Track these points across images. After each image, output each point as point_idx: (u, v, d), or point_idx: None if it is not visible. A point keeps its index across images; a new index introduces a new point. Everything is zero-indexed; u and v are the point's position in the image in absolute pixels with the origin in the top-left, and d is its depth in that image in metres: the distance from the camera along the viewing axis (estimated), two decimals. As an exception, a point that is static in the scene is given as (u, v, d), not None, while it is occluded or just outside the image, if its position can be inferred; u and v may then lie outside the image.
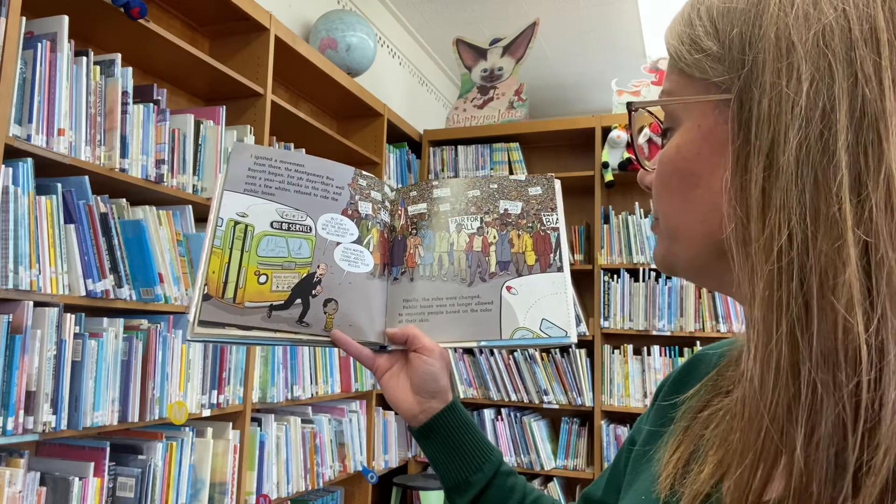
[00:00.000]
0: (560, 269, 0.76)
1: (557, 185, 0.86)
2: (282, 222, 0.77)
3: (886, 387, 0.34)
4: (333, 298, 0.76)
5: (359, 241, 0.80)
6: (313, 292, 0.76)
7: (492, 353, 3.51)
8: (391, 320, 0.80)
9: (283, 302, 0.75)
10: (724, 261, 0.45)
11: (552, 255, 0.77)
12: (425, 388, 0.76)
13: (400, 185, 0.92)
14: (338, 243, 0.78)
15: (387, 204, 0.84)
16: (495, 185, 0.84)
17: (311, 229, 0.77)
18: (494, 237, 0.80)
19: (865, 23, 0.38)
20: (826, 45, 0.38)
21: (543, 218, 0.80)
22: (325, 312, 0.76)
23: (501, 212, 0.81)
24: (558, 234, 0.79)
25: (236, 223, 0.75)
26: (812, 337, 0.35)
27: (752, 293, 0.39)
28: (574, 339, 0.76)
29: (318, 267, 0.77)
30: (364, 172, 0.82)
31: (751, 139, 0.40)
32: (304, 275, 0.76)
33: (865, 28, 0.37)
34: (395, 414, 3.37)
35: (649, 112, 0.51)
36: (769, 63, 0.39)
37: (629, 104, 0.52)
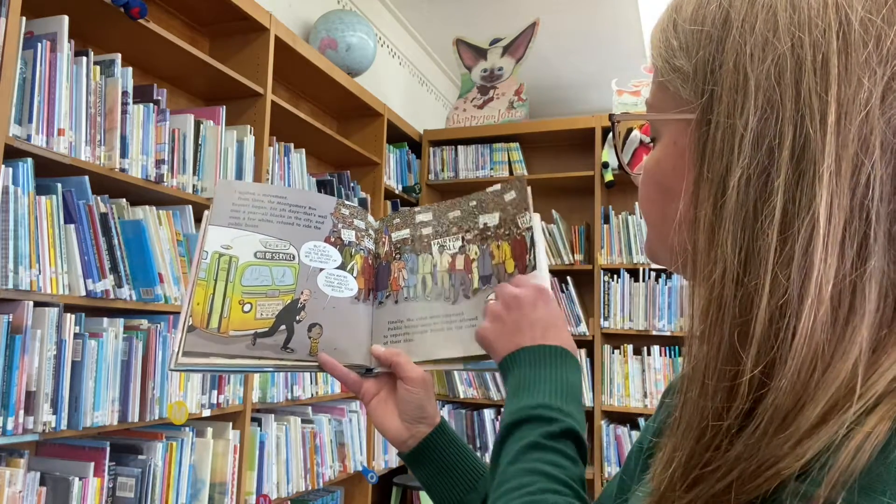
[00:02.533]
0: (534, 268, 0.76)
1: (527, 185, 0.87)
2: (265, 252, 0.78)
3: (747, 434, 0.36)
4: (318, 323, 0.77)
5: (342, 267, 0.81)
6: (297, 318, 0.77)
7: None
8: (376, 342, 0.80)
9: (267, 329, 0.75)
10: None
11: (528, 256, 0.77)
12: (411, 415, 0.76)
13: (389, 214, 0.93)
14: (321, 269, 0.79)
15: (370, 232, 0.85)
16: (474, 202, 0.84)
17: (294, 257, 0.79)
18: (476, 253, 0.81)
19: (819, 53, 0.36)
20: (779, 78, 0.37)
21: (518, 221, 0.80)
22: (309, 337, 0.76)
23: (481, 227, 0.82)
24: (531, 233, 0.78)
25: (220, 255, 0.76)
26: (715, 368, 0.37)
27: (691, 323, 0.40)
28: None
29: (302, 293, 0.78)
30: (346, 202, 0.84)
31: (703, 172, 0.40)
32: (288, 301, 0.77)
33: (818, 59, 0.36)
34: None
35: (619, 122, 0.53)
36: (725, 94, 0.39)
37: (611, 116, 0.53)
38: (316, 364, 0.76)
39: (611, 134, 3.39)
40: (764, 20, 0.38)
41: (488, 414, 3.52)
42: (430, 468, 0.77)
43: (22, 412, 1.47)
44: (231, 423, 2.14)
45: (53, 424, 1.52)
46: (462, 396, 3.64)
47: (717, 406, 0.37)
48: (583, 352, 3.42)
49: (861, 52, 0.36)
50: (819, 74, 0.36)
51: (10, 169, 1.49)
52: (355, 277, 0.81)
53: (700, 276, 0.39)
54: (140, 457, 1.82)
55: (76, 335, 1.62)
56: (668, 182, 0.46)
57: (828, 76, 0.36)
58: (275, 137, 2.56)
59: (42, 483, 1.57)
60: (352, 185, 3.11)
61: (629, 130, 3.39)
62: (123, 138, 1.78)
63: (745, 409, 0.36)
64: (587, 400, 3.38)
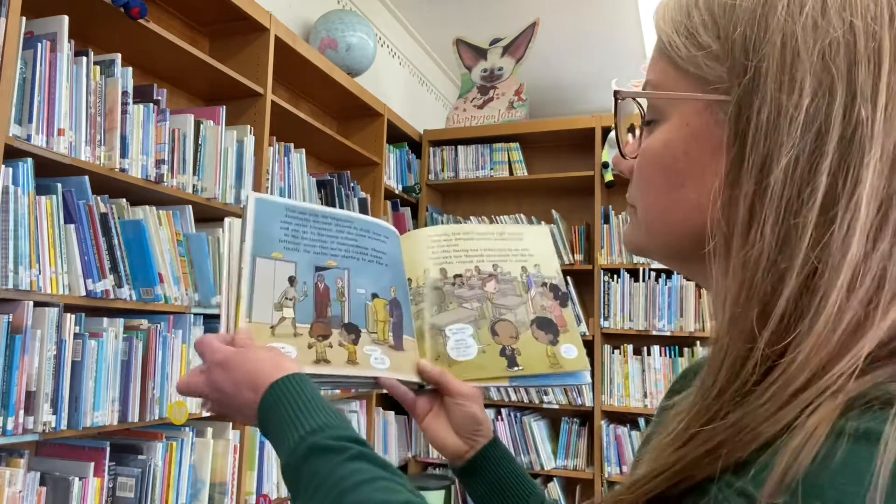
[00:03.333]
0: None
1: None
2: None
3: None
4: None
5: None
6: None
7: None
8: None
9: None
10: (699, 256, 0.45)
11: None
12: (467, 428, 0.76)
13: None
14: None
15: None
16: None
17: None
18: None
19: (872, 41, 0.36)
20: (832, 61, 0.36)
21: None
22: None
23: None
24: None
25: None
26: (734, 346, 0.37)
27: (723, 307, 0.39)
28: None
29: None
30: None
31: (746, 151, 0.38)
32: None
33: (871, 47, 0.36)
34: (396, 414, 3.37)
35: (634, 100, 0.50)
36: (772, 72, 0.38)
37: (616, 92, 0.50)
38: (374, 378, 0.76)
39: (610, 133, 3.39)
40: (812, 1, 0.38)
41: (488, 414, 3.51)
42: (485, 479, 0.76)
43: (22, 412, 1.47)
44: (231, 423, 2.14)
45: (53, 424, 1.52)
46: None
47: (724, 379, 0.37)
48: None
49: None
50: (872, 61, 0.36)
51: (10, 169, 1.49)
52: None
53: (735, 258, 0.38)
54: (140, 457, 1.82)
55: (76, 335, 1.62)
56: (679, 166, 0.44)
57: (881, 64, 0.36)
58: (275, 137, 2.56)
59: (42, 483, 1.57)
60: (352, 185, 3.11)
61: (610, 129, 3.38)
62: (123, 138, 1.78)
63: (753, 380, 0.36)
64: (587, 400, 3.38)
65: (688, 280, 3.32)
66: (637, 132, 0.50)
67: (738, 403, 0.36)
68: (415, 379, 0.78)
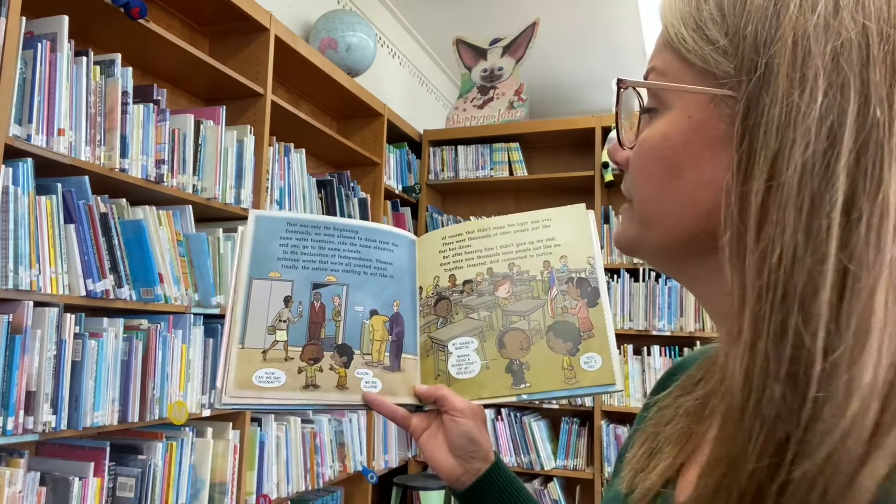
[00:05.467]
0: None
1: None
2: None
3: (825, 420, 0.34)
4: None
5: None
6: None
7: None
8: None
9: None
10: (693, 254, 0.45)
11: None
12: (463, 449, 0.73)
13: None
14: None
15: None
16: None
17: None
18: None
19: (885, 43, 0.36)
20: (845, 61, 0.36)
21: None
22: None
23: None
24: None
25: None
26: (782, 357, 0.35)
27: (742, 304, 0.38)
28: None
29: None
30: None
31: (756, 148, 0.38)
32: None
33: (884, 49, 0.36)
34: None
35: (634, 89, 0.49)
36: (784, 70, 0.38)
37: (619, 81, 0.49)
38: (362, 404, 0.75)
39: (610, 133, 3.39)
40: (825, 2, 0.38)
41: (488, 414, 3.51)
42: None
43: (22, 412, 1.47)
44: (231, 423, 2.14)
45: (53, 424, 1.52)
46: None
47: (778, 393, 0.35)
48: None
49: None
50: (886, 64, 0.36)
51: (10, 169, 1.49)
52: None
53: (750, 256, 0.38)
54: (140, 457, 1.82)
55: (76, 335, 1.62)
56: (677, 157, 0.44)
57: (894, 67, 0.36)
58: (275, 137, 2.56)
59: (42, 483, 1.57)
60: (352, 185, 3.11)
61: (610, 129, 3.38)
62: (123, 138, 1.78)
63: (814, 396, 0.34)
64: (587, 400, 3.38)
65: (677, 282, 3.31)
66: (637, 122, 0.49)
67: (806, 429, 0.34)
68: (409, 401, 0.76)
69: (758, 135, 0.38)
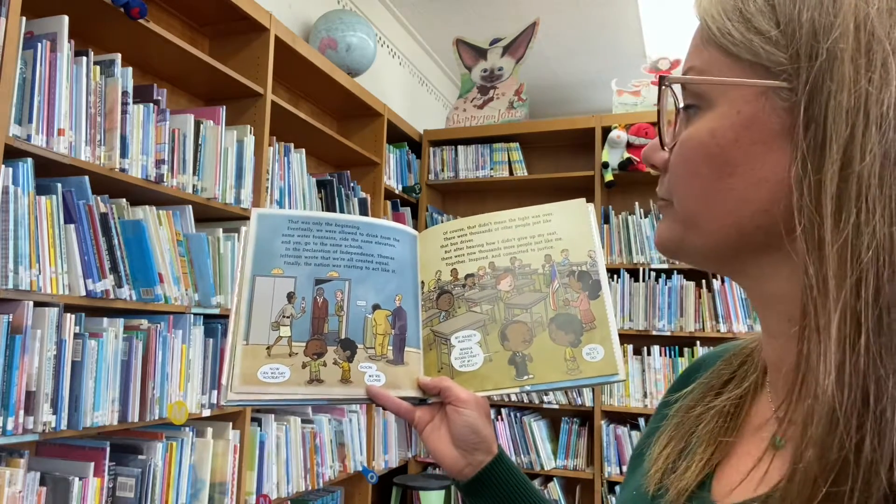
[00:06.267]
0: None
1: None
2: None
3: None
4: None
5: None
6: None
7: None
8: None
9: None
10: (745, 253, 0.44)
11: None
12: (466, 440, 0.72)
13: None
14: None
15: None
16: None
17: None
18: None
19: None
20: None
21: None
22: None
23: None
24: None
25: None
26: (882, 352, 0.34)
27: (825, 299, 0.36)
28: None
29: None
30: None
31: (826, 135, 0.37)
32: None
33: None
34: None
35: (670, 88, 0.47)
36: (848, 54, 0.36)
37: (661, 79, 0.47)
38: (366, 397, 0.75)
39: (611, 133, 3.39)
40: None
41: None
42: (488, 501, 0.73)
43: (22, 412, 1.47)
44: (231, 423, 2.14)
45: (53, 424, 1.52)
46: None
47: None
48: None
49: None
50: None
51: (10, 169, 1.49)
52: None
53: (829, 247, 0.36)
54: (140, 457, 1.82)
55: (76, 335, 1.62)
56: (728, 154, 0.42)
57: None
58: (275, 137, 2.56)
59: (42, 483, 1.57)
60: (352, 185, 3.11)
61: (610, 129, 3.39)
62: (123, 138, 1.78)
63: None
64: (587, 400, 3.38)
65: (732, 280, 3.33)
66: (674, 122, 0.47)
67: None
68: (413, 394, 0.76)
69: (825, 122, 0.37)
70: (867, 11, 0.37)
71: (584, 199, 0.83)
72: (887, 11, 0.36)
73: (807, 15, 0.38)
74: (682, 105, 0.46)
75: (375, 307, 0.79)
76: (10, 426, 1.44)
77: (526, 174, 3.72)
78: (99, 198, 1.72)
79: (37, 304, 1.52)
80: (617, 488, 0.65)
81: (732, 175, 0.42)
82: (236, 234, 2.17)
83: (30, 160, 1.52)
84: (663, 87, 0.47)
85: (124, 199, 1.85)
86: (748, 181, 0.41)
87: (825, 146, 0.37)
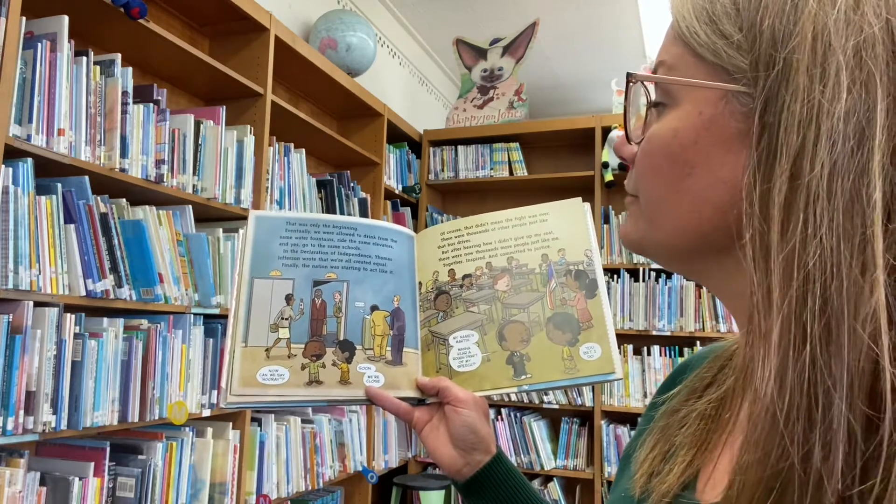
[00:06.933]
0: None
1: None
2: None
3: None
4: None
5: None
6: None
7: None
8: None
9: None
10: (706, 253, 0.44)
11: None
12: (464, 440, 0.72)
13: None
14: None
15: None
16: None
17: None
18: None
19: None
20: (868, 57, 0.35)
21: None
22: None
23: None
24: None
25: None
26: (831, 362, 0.34)
27: (769, 306, 0.36)
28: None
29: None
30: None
31: (776, 145, 0.37)
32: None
33: None
34: (395, 414, 3.37)
35: (642, 84, 0.47)
36: (804, 65, 0.36)
37: (629, 75, 0.48)
38: (366, 398, 0.75)
39: (610, 133, 3.39)
40: None
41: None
42: (487, 501, 0.73)
43: (22, 412, 1.47)
44: (231, 423, 2.14)
45: (53, 424, 1.53)
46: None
47: (858, 411, 0.33)
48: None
49: None
50: None
51: (10, 169, 1.49)
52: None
53: (775, 256, 0.36)
54: (140, 457, 1.82)
55: (76, 335, 1.62)
56: (687, 155, 0.43)
57: None
58: (275, 137, 2.56)
59: (42, 483, 1.57)
60: (352, 185, 3.11)
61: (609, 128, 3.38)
62: (123, 138, 1.78)
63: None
64: (587, 400, 3.38)
65: (687, 279, 3.33)
66: (644, 116, 0.48)
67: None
68: (412, 394, 0.77)
69: (778, 132, 0.37)
70: (825, 21, 0.37)
71: (580, 199, 0.83)
72: (844, 22, 0.36)
73: (768, 22, 0.39)
74: (653, 100, 0.46)
75: (374, 308, 0.79)
76: (10, 426, 1.44)
77: (526, 174, 3.72)
78: (99, 198, 1.72)
79: (37, 304, 1.52)
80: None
81: (691, 175, 0.42)
82: (236, 235, 2.17)
83: (30, 160, 1.52)
84: (631, 84, 0.47)
85: (124, 199, 1.85)
86: (706, 182, 0.42)
87: (776, 155, 0.37)
